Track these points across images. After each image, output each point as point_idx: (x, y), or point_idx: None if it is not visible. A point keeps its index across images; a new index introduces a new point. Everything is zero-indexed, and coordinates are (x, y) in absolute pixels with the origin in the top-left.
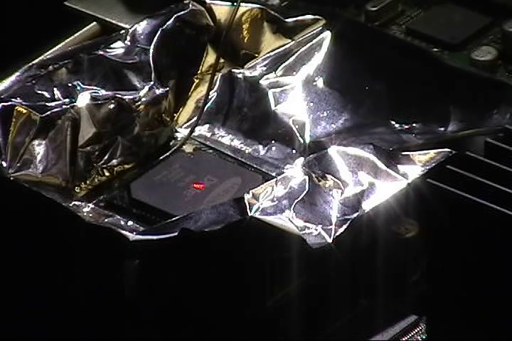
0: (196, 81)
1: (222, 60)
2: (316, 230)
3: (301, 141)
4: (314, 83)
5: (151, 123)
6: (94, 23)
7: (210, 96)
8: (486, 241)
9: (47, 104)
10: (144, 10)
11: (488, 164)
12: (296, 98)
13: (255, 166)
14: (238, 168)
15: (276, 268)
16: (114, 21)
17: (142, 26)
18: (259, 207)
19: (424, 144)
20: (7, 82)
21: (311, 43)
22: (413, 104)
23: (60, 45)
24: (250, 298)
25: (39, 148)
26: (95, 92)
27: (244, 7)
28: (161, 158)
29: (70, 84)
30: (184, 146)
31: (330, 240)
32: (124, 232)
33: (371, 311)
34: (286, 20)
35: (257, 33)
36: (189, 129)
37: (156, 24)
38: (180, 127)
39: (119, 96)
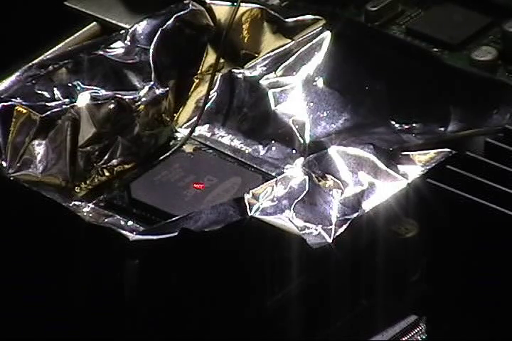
0: (196, 81)
1: (222, 60)
2: (316, 230)
3: (301, 141)
4: (314, 83)
5: (151, 123)
6: (94, 23)
7: (210, 96)
8: (486, 241)
9: (47, 104)
10: (144, 10)
11: (488, 164)
12: (296, 98)
13: (255, 166)
14: (238, 168)
15: (276, 268)
16: (114, 21)
17: (142, 26)
18: (259, 207)
19: (424, 144)
20: (7, 82)
21: (311, 43)
22: (413, 104)
23: (60, 45)
24: (250, 298)
25: (39, 148)
26: (95, 92)
27: (244, 7)
28: (161, 158)
29: (70, 84)
30: (184, 146)
31: (330, 240)
32: (124, 232)
33: (371, 311)
34: (286, 20)
35: (257, 33)
36: (189, 129)
37: (156, 24)
38: (180, 127)
39: (119, 96)
